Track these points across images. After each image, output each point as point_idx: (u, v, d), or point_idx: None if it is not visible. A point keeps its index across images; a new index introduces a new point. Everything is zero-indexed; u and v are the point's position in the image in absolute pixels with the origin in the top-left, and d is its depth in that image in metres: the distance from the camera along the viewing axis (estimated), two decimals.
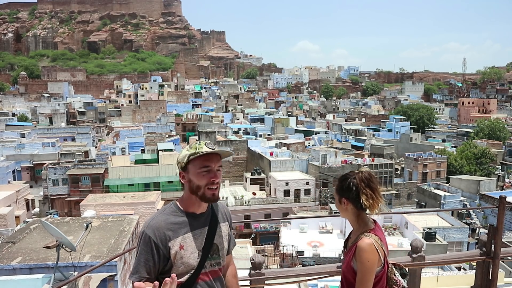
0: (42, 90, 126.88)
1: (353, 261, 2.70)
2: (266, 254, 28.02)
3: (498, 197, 4.40)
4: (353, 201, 2.75)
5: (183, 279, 2.39)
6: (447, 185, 45.09)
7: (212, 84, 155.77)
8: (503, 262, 17.61)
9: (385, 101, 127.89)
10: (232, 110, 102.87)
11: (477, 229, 34.67)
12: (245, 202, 39.93)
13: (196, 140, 2.68)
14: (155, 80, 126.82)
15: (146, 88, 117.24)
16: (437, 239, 26.83)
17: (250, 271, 4.38)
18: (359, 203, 2.72)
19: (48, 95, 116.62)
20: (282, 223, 33.52)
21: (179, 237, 2.38)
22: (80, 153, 51.95)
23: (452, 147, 65.52)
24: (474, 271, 5.16)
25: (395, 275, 2.84)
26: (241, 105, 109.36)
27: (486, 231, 4.83)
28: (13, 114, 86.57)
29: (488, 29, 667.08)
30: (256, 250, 29.19)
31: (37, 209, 40.57)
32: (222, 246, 2.58)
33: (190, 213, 2.46)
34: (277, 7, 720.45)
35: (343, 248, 3.00)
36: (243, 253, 28.01)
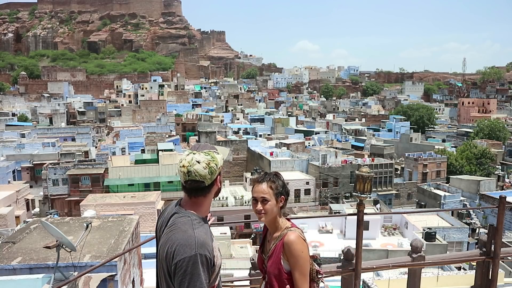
0: (42, 90, 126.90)
1: (283, 260, 2.67)
2: None
3: (498, 197, 4.41)
4: (286, 198, 2.77)
5: (217, 282, 2.40)
6: (447, 185, 45.11)
7: (212, 84, 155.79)
8: (503, 262, 17.61)
9: (385, 101, 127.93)
10: (232, 110, 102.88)
11: (477, 229, 34.68)
12: (245, 202, 39.92)
13: (197, 142, 2.69)
14: (155, 80, 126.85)
15: (146, 88, 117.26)
16: (437, 239, 26.82)
17: (250, 271, 4.38)
18: (287, 200, 2.79)
19: (48, 95, 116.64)
20: None
21: (214, 243, 2.37)
22: (80, 153, 51.95)
23: (452, 147, 65.53)
24: (474, 271, 5.16)
25: (313, 265, 2.87)
26: (241, 105, 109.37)
27: (486, 231, 4.84)
28: (13, 114, 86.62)
29: (488, 29, 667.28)
30: (256, 250, 29.18)
31: (37, 209, 40.57)
32: None
33: (205, 218, 2.46)
34: (277, 7, 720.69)
35: (261, 255, 2.92)
36: (243, 253, 28.01)
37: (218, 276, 2.43)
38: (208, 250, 2.25)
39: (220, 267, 2.43)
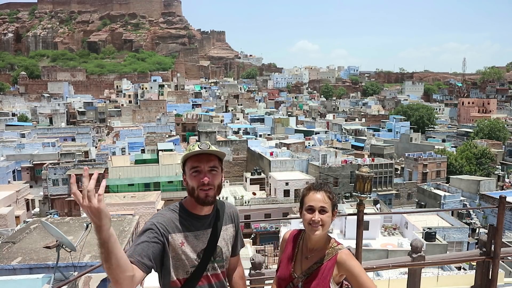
0: (42, 90, 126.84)
1: (332, 283, 2.48)
2: (266, 254, 28.05)
3: (498, 197, 4.40)
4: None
5: (180, 278, 2.38)
6: (447, 185, 45.08)
7: (212, 84, 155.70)
8: (503, 262, 17.61)
9: (385, 101, 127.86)
10: (232, 110, 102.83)
11: (477, 229, 34.66)
12: (245, 202, 39.91)
13: (196, 141, 2.72)
14: (155, 80, 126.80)
15: (146, 88, 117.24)
16: (437, 239, 26.79)
17: (250, 271, 4.38)
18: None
19: (48, 95, 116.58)
20: (282, 223, 33.51)
21: (181, 233, 2.37)
22: (80, 153, 51.90)
23: (452, 147, 65.50)
24: (474, 271, 5.16)
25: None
26: (241, 105, 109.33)
27: (486, 231, 4.84)
28: (13, 114, 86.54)
29: (488, 29, 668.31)
30: (256, 250, 29.21)
31: (37, 209, 40.55)
32: (227, 249, 2.57)
33: (193, 214, 2.45)
34: (277, 7, 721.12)
35: (291, 273, 2.60)
36: (243, 253, 27.96)
37: (187, 274, 2.38)
38: (159, 224, 2.31)
39: (183, 260, 2.36)
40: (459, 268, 19.35)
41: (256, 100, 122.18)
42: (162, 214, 2.41)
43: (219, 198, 2.61)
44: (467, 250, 25.60)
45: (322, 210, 2.48)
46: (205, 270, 2.43)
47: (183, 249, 2.36)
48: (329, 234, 2.65)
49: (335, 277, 2.49)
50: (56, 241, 6.98)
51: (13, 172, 47.63)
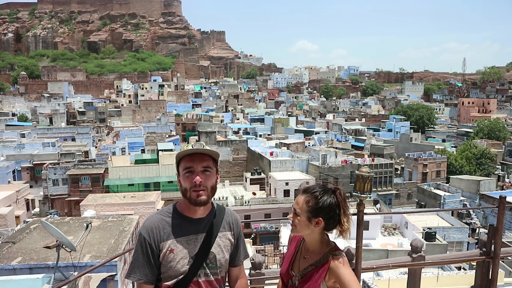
0: (42, 90, 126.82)
1: (323, 286, 2.45)
2: (266, 254, 28.00)
3: (498, 197, 4.40)
4: (327, 222, 2.44)
5: (169, 283, 2.36)
6: (447, 185, 45.07)
7: (212, 84, 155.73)
8: (503, 262, 17.60)
9: (385, 101, 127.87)
10: (232, 110, 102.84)
11: (477, 229, 34.65)
12: (245, 202, 39.88)
13: (196, 141, 2.70)
14: (155, 80, 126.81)
15: (146, 88, 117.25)
16: (437, 239, 26.80)
17: (250, 271, 4.38)
18: (333, 224, 2.46)
19: (48, 95, 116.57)
20: (282, 223, 33.50)
21: (170, 240, 2.33)
22: (80, 153, 51.91)
23: (452, 147, 65.51)
24: (474, 271, 5.16)
25: None
26: (241, 105, 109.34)
27: (486, 231, 4.84)
28: (13, 114, 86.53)
29: (487, 29, 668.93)
30: (256, 250, 29.18)
31: (37, 209, 40.54)
32: (222, 256, 2.47)
33: (186, 217, 2.40)
34: (276, 7, 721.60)
35: (289, 270, 2.63)
36: None
37: (176, 279, 2.36)
38: (150, 235, 2.32)
39: (172, 267, 2.35)
40: (459, 268, 19.34)
41: (256, 100, 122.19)
42: (152, 222, 2.36)
43: (214, 199, 2.59)
44: (467, 250, 25.59)
45: (296, 213, 2.46)
46: (196, 276, 2.37)
47: (172, 256, 2.33)
48: (329, 233, 2.62)
49: (327, 281, 2.46)
50: (56, 241, 6.98)
51: (13, 172, 47.63)
